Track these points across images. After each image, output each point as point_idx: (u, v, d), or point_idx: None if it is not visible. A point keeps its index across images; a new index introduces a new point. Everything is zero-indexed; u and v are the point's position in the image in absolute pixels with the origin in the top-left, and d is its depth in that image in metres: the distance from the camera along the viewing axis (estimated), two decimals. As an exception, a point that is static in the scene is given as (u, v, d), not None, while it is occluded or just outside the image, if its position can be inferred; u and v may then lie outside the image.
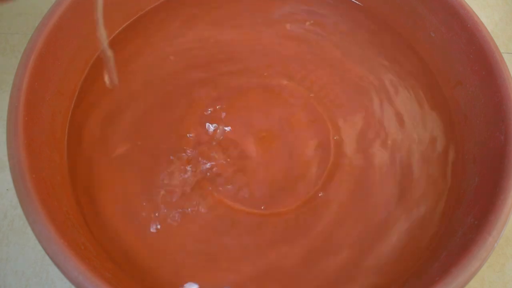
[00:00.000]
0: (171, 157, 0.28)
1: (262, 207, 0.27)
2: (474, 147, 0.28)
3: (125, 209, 0.27)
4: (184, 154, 0.29)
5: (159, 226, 0.26)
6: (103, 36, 0.26)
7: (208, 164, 0.28)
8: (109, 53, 0.26)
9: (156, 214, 0.27)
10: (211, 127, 0.30)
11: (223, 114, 0.30)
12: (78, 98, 0.29)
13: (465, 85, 0.29)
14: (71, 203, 0.26)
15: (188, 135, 0.29)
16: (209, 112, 0.30)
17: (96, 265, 0.22)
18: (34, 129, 0.24)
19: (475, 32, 0.27)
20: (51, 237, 0.20)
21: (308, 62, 0.32)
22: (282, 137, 0.30)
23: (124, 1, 0.31)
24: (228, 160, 0.29)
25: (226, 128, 0.30)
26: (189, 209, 0.27)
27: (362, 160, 0.29)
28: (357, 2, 0.34)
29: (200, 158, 0.29)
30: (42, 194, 0.22)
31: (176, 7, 0.34)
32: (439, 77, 0.31)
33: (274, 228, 0.27)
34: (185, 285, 0.25)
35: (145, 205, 0.27)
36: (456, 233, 0.25)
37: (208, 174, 0.28)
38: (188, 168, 0.28)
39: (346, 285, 0.25)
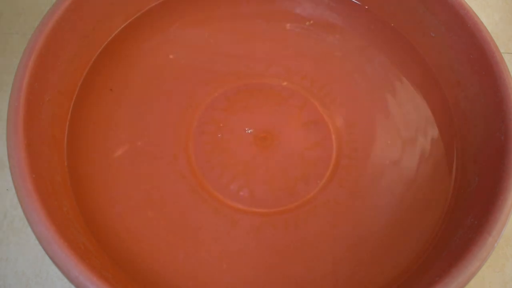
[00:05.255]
0: (171, 157, 0.28)
1: (262, 207, 0.27)
2: (474, 147, 0.28)
3: (125, 209, 0.27)
4: (184, 154, 0.29)
5: (159, 226, 0.26)
6: None
7: (208, 164, 0.28)
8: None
9: (156, 214, 0.27)
10: (211, 127, 0.30)
11: (223, 114, 0.30)
12: (78, 98, 0.29)
13: (465, 85, 0.29)
14: (71, 203, 0.26)
15: (188, 135, 0.29)
16: (209, 112, 0.30)
17: (96, 265, 0.22)
18: (34, 129, 0.24)
19: (475, 32, 0.27)
20: (51, 237, 0.20)
21: (307, 62, 0.32)
22: (282, 137, 0.30)
23: (124, 1, 0.31)
24: (228, 160, 0.29)
25: (226, 128, 0.30)
26: (188, 209, 0.27)
27: (363, 160, 0.29)
28: (357, 2, 0.34)
29: (200, 158, 0.29)
30: (42, 194, 0.22)
31: (175, 7, 0.34)
32: (439, 77, 0.31)
33: (274, 228, 0.27)
34: None
35: (145, 205, 0.27)
36: (456, 233, 0.25)
37: (208, 174, 0.28)
38: (188, 168, 0.28)
39: (346, 285, 0.25)
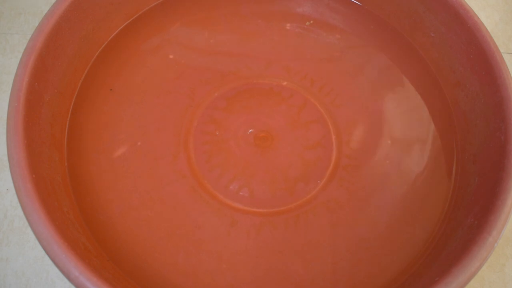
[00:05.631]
0: (171, 157, 0.28)
1: (262, 207, 0.27)
2: (474, 147, 0.28)
3: (125, 209, 0.27)
4: (184, 154, 0.29)
5: (159, 226, 0.26)
6: None
7: (208, 164, 0.28)
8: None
9: (156, 214, 0.27)
10: (211, 127, 0.30)
11: (223, 114, 0.30)
12: (78, 98, 0.29)
13: (465, 85, 0.29)
14: (71, 203, 0.26)
15: (187, 135, 0.29)
16: (209, 112, 0.30)
17: (96, 265, 0.22)
18: (34, 129, 0.24)
19: (475, 32, 0.27)
20: (51, 237, 0.20)
21: (307, 62, 0.32)
22: (282, 137, 0.30)
23: (124, 1, 0.31)
24: (228, 160, 0.29)
25: (226, 128, 0.30)
26: (188, 209, 0.27)
27: (363, 160, 0.29)
28: (357, 2, 0.34)
29: (200, 158, 0.29)
30: (42, 194, 0.22)
31: (175, 7, 0.34)
32: (439, 77, 0.31)
33: (274, 228, 0.27)
34: None
35: (145, 205, 0.27)
36: (456, 233, 0.25)
37: (208, 174, 0.28)
38: (188, 168, 0.28)
39: (346, 285, 0.25)
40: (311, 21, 0.34)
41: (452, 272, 0.21)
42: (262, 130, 0.30)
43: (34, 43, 0.25)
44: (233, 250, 0.26)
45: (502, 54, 0.27)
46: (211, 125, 0.30)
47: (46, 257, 0.28)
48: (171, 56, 0.32)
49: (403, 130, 0.30)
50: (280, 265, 0.26)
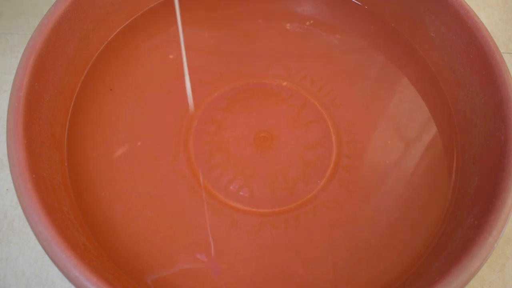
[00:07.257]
0: (171, 157, 0.28)
1: (262, 207, 0.27)
2: (474, 147, 0.28)
3: (125, 209, 0.27)
4: (184, 154, 0.29)
5: (159, 226, 0.26)
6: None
7: (208, 164, 0.28)
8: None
9: (156, 214, 0.27)
10: (211, 127, 0.30)
11: (223, 114, 0.30)
12: (78, 98, 0.29)
13: (465, 85, 0.29)
14: (71, 203, 0.26)
15: (187, 135, 0.29)
16: (209, 112, 0.30)
17: (96, 265, 0.22)
18: (34, 129, 0.24)
19: (475, 32, 0.27)
20: (51, 237, 0.20)
21: (307, 62, 0.32)
22: (282, 137, 0.30)
23: (124, 1, 0.31)
24: (228, 160, 0.29)
25: (226, 128, 0.30)
26: (188, 209, 0.27)
27: (363, 160, 0.29)
28: (357, 2, 0.34)
29: (200, 158, 0.29)
30: (42, 194, 0.22)
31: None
32: (439, 77, 0.31)
33: (274, 228, 0.27)
34: None
35: (145, 205, 0.27)
36: (456, 233, 0.25)
37: (208, 174, 0.28)
38: (188, 168, 0.28)
39: (346, 285, 0.25)
40: (311, 21, 0.34)
41: (452, 272, 0.21)
42: (262, 130, 0.30)
43: (34, 43, 0.25)
44: (233, 250, 0.26)
45: (502, 54, 0.27)
46: (211, 125, 0.30)
47: (46, 257, 0.28)
48: (171, 56, 0.32)
49: (403, 130, 0.30)
50: (280, 265, 0.26)
